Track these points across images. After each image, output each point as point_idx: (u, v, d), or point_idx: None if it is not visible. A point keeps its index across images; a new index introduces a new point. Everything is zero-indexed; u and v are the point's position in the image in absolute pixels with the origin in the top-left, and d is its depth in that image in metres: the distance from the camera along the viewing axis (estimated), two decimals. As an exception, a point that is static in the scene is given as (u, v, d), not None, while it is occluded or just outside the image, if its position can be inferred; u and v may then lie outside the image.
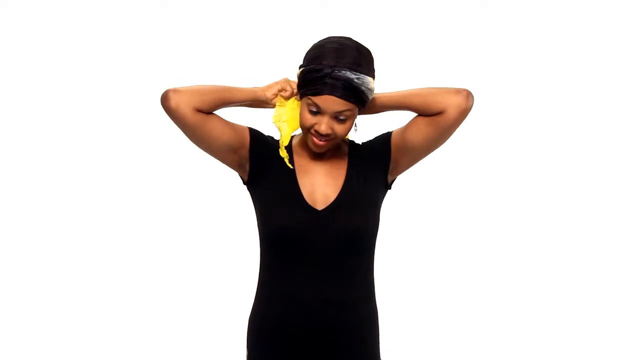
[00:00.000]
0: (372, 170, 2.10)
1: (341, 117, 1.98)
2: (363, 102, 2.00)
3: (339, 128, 1.99)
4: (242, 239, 3.59)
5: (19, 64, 3.96)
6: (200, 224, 3.99)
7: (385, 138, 2.12)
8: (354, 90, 1.95)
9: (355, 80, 1.94)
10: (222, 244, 3.94)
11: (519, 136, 4.03)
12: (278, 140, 2.11)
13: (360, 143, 2.17)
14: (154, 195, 4.00)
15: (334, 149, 2.10)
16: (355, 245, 2.03)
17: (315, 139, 2.00)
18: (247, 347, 2.12)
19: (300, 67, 2.02)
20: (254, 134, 2.09)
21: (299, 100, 2.07)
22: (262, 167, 2.07)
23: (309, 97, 1.97)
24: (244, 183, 2.12)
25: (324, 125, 1.97)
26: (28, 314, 3.91)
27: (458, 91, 2.02)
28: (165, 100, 2.01)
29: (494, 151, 4.02)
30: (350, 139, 2.19)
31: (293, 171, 2.05)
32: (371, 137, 2.18)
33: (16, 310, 3.92)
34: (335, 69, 1.93)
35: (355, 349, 2.05)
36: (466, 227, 4.02)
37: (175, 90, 2.03)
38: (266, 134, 2.14)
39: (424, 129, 2.04)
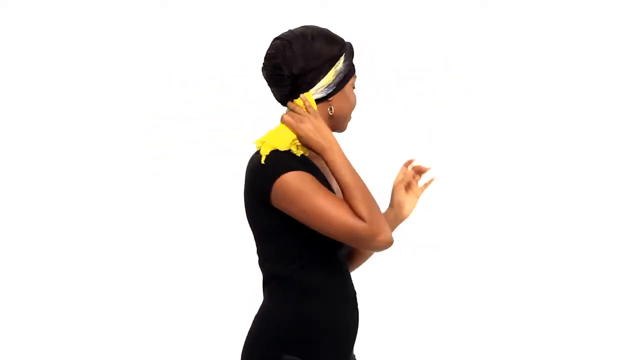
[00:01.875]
0: None
1: None
2: None
3: None
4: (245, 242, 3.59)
5: (19, 64, 3.96)
6: (205, 228, 3.99)
7: None
8: None
9: None
10: (226, 247, 3.95)
11: (519, 136, 4.03)
12: (298, 156, 1.95)
13: None
14: (157, 196, 4.00)
15: None
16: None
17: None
18: (294, 353, 2.06)
19: (337, 59, 1.95)
20: (303, 167, 1.93)
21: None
22: None
23: (355, 74, 1.99)
24: None
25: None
26: (28, 315, 3.92)
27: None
28: (385, 245, 1.89)
29: (493, 151, 4.03)
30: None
31: (325, 177, 2.01)
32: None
33: (15, 310, 3.93)
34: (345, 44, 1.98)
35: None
36: (467, 228, 4.02)
37: (384, 234, 1.87)
38: (275, 159, 1.93)
39: None
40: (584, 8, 3.99)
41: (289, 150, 1.92)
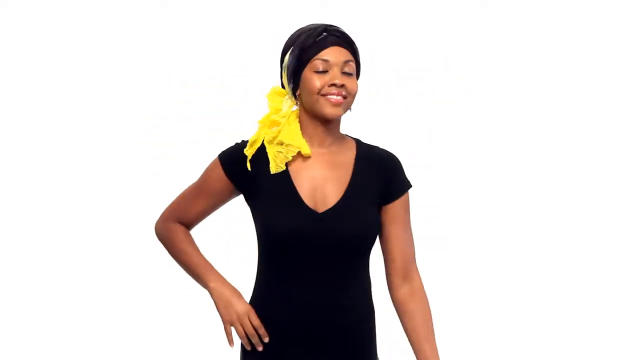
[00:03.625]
0: (378, 188, 2.06)
1: (347, 71, 1.99)
2: (357, 61, 2.04)
3: (349, 82, 1.99)
4: (238, 243, 3.59)
5: (19, 64, 3.96)
6: (205, 228, 3.98)
7: (400, 190, 2.09)
8: (350, 42, 2.01)
9: (348, 34, 2.02)
10: (226, 247, 3.95)
11: (519, 136, 4.03)
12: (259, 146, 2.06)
13: (381, 148, 2.12)
14: (157, 196, 3.99)
15: (336, 141, 2.06)
16: (355, 249, 2.01)
17: (331, 97, 1.97)
18: (242, 352, 2.11)
19: (286, 54, 2.03)
20: (225, 161, 2.07)
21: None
22: (250, 182, 2.04)
23: (315, 58, 1.98)
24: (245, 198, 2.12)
25: (337, 77, 1.98)
26: (28, 315, 3.92)
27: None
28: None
29: (493, 151, 4.03)
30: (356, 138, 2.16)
31: (287, 172, 2.02)
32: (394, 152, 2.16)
33: (15, 310, 3.93)
34: (327, 26, 2.01)
35: (351, 351, 2.04)
36: (467, 228, 4.01)
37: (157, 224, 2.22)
38: (235, 144, 2.10)
39: (391, 246, 2.09)
40: (584, 8, 3.99)
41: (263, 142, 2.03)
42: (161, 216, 2.20)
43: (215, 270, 2.11)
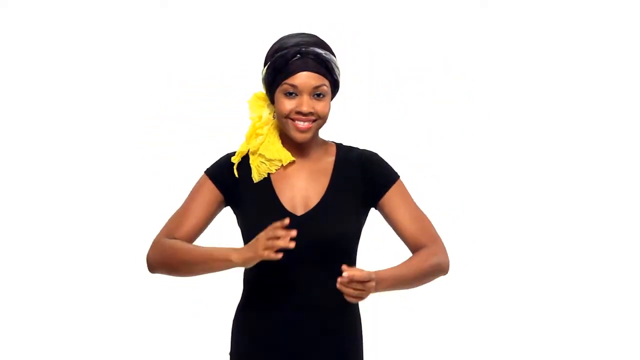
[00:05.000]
0: (361, 187, 2.09)
1: (318, 93, 2.00)
2: (334, 80, 2.03)
3: (319, 106, 2.00)
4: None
5: (19, 64, 3.96)
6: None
7: (387, 182, 2.10)
8: (324, 63, 2.00)
9: (324, 54, 1.99)
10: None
11: (519, 136, 4.03)
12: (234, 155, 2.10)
13: (361, 148, 2.15)
14: (157, 196, 4.00)
15: (318, 149, 2.10)
16: (335, 248, 2.03)
17: (298, 123, 2.00)
18: (230, 354, 2.14)
19: (264, 66, 2.05)
20: (213, 174, 2.11)
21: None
22: (236, 190, 2.08)
23: (285, 82, 1.99)
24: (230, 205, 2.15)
25: (304, 104, 1.98)
26: (27, 315, 3.92)
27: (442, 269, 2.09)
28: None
29: (493, 151, 4.03)
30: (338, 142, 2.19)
31: (269, 180, 2.05)
32: (374, 150, 2.17)
33: (14, 310, 3.93)
34: (302, 47, 1.98)
35: (335, 356, 2.04)
36: (467, 228, 4.01)
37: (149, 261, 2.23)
38: (220, 156, 2.15)
39: (401, 233, 2.13)
40: (584, 8, 3.99)
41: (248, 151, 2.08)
42: (152, 246, 2.20)
43: (225, 248, 2.01)
